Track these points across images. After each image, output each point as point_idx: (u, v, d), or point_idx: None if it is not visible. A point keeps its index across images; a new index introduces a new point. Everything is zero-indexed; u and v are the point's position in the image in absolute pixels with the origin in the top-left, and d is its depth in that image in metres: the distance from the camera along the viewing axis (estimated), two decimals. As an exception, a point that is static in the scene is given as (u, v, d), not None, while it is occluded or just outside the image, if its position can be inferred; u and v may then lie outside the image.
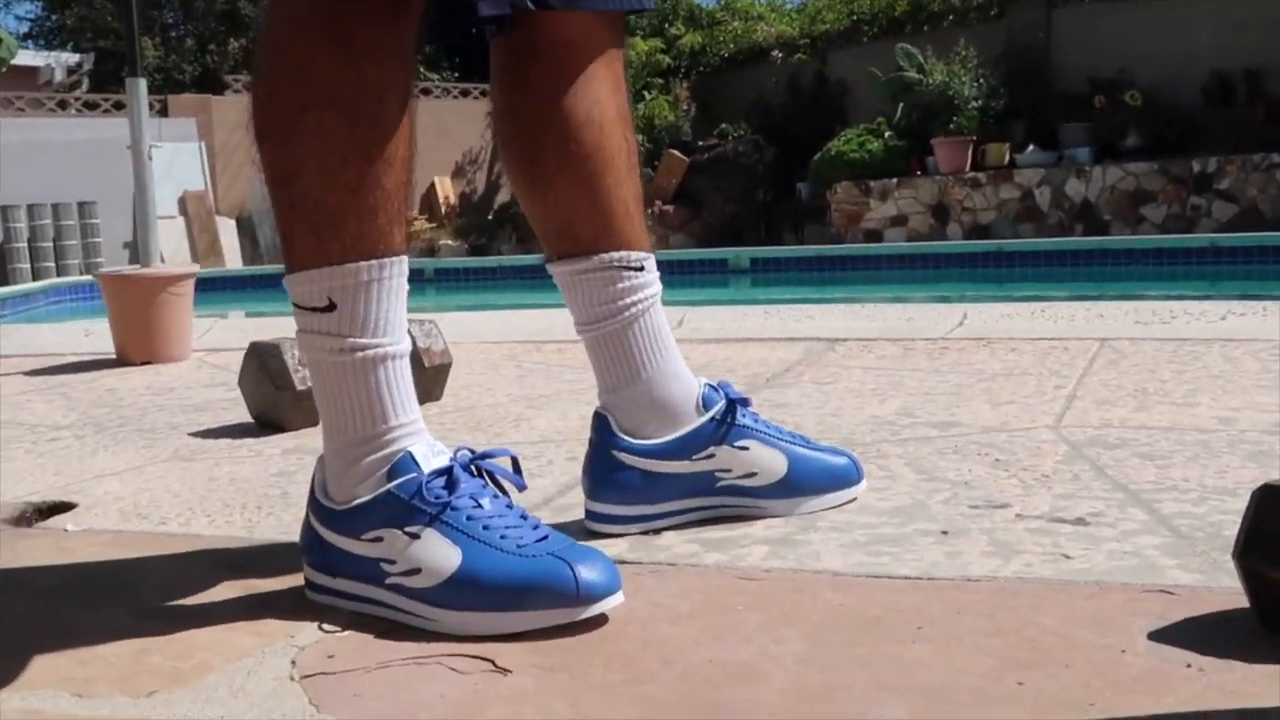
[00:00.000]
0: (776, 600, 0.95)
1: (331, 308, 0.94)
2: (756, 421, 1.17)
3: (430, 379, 1.99)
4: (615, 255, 1.11)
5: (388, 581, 0.92)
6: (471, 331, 2.83)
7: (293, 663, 0.85)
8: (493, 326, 3.01)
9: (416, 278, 8.42)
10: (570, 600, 0.87)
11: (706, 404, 1.15)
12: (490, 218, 10.13)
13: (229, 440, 1.74)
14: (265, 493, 1.40)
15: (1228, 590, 0.91)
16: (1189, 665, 0.78)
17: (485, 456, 0.97)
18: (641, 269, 1.13)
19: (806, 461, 1.18)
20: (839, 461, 1.20)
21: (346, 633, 0.91)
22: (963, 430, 1.54)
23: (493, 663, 0.83)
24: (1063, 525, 1.11)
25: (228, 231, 9.14)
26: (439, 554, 0.90)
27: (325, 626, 0.92)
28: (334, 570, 0.96)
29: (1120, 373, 1.90)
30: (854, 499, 1.20)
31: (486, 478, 0.96)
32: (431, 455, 0.95)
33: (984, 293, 5.98)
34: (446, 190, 10.49)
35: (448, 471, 0.93)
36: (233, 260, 8.97)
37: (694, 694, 0.77)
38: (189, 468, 1.56)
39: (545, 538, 0.91)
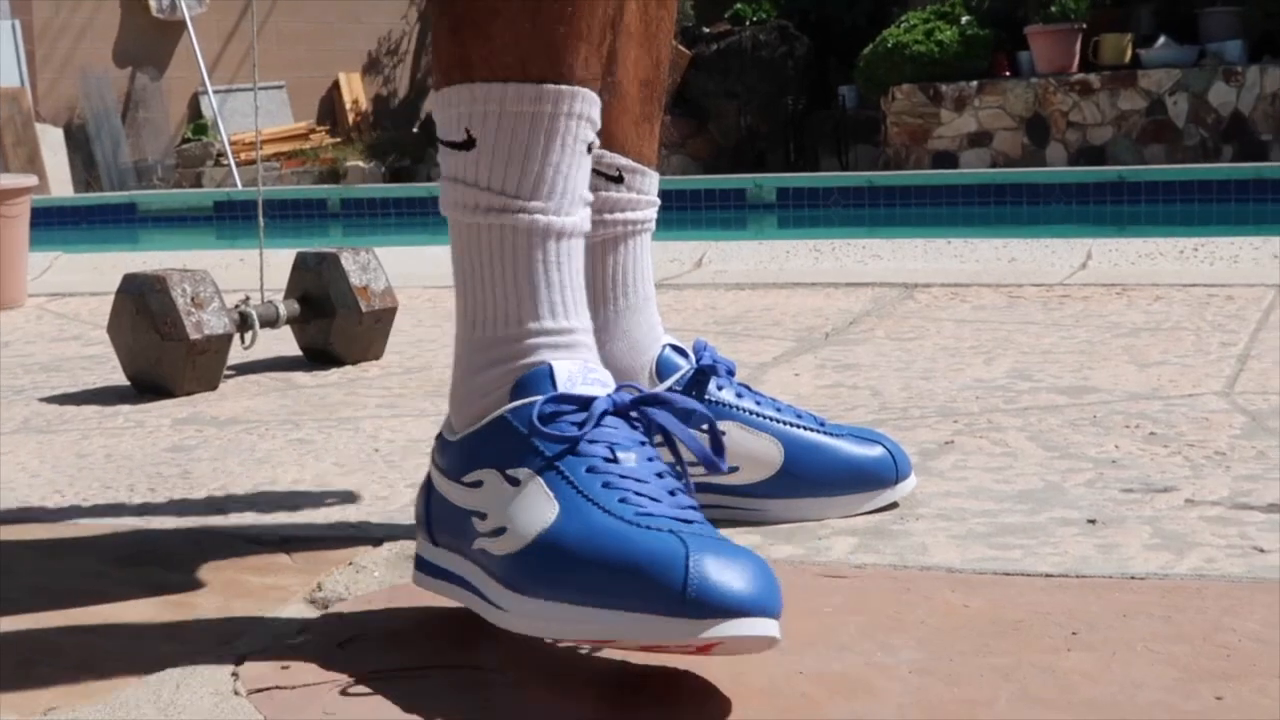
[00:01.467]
0: (878, 601, 0.98)
1: (470, 144, 0.91)
2: (741, 397, 1.18)
3: (368, 330, 2.01)
4: None
5: (474, 546, 0.88)
6: (413, 273, 2.85)
7: (234, 674, 0.87)
8: (442, 267, 3.02)
9: (316, 210, 8.47)
10: (671, 602, 0.77)
11: (664, 370, 1.16)
12: (416, 130, 10.13)
13: (97, 408, 1.76)
14: (158, 472, 1.42)
15: None
16: None
17: (658, 403, 0.91)
18: (620, 179, 1.14)
19: (813, 450, 1.16)
20: (868, 453, 1.17)
21: (300, 638, 0.93)
22: (1101, 397, 1.58)
23: (502, 673, 0.85)
24: (1250, 513, 1.14)
25: (52, 144, 9.11)
26: (532, 510, 0.85)
27: (277, 626, 0.94)
28: (434, 534, 0.93)
29: (1308, 327, 1.95)
30: (894, 503, 1.18)
31: (656, 435, 0.91)
32: (582, 379, 0.91)
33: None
34: (355, 92, 10.49)
35: (586, 404, 0.89)
36: (59, 185, 8.94)
37: (785, 713, 0.80)
38: (48, 442, 1.58)
39: (687, 521, 0.83)
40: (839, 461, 1.16)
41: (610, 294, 1.16)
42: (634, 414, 0.90)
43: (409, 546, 1.13)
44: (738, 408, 1.17)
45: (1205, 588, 0.98)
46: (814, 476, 1.16)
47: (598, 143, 0.94)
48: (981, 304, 2.26)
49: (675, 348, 1.18)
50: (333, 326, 1.99)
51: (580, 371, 0.90)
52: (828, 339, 2.02)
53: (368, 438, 1.53)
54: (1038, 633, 0.90)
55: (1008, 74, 8.16)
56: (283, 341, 2.10)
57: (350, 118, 10.29)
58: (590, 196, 0.94)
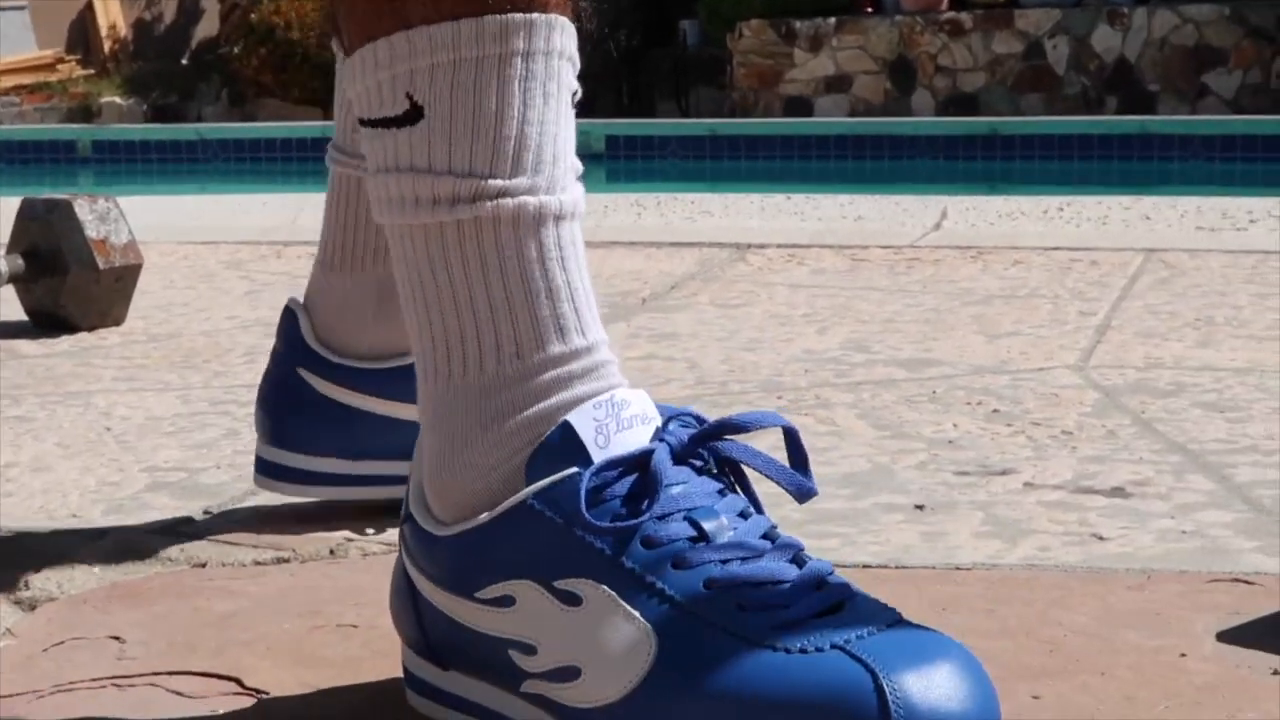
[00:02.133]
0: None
1: (415, 114, 0.75)
2: None
3: (107, 290, 1.98)
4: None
5: (526, 689, 0.73)
6: (168, 226, 2.82)
7: (-83, 684, 0.86)
8: (203, 220, 3.00)
9: (63, 154, 8.29)
10: None
11: None
12: (186, 62, 9.96)
13: None
14: None
15: (1329, 579, 0.99)
16: (1275, 671, 0.85)
17: (731, 429, 0.76)
18: None
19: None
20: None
21: (0, 643, 0.92)
22: (944, 370, 1.62)
23: (239, 683, 0.86)
24: (1094, 497, 1.19)
25: None
26: (615, 641, 0.70)
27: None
28: (441, 658, 0.78)
29: (1175, 295, 2.02)
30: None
31: (729, 476, 0.77)
32: (615, 424, 0.74)
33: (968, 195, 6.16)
34: (112, 16, 10.27)
35: (638, 464, 0.73)
36: None
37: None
38: None
39: (836, 608, 0.70)
40: None
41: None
42: (701, 452, 0.75)
43: (135, 539, 1.12)
44: None
45: (1036, 578, 1.01)
46: None
47: (580, 92, 0.79)
48: (821, 267, 2.30)
49: None
50: (64, 286, 1.96)
51: (609, 415, 0.74)
52: (644, 305, 2.04)
53: (99, 415, 1.51)
54: (846, 628, 0.93)
55: (870, 10, 8.29)
56: (4, 304, 2.06)
57: (106, 46, 10.07)
58: (581, 166, 0.79)
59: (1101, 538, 1.09)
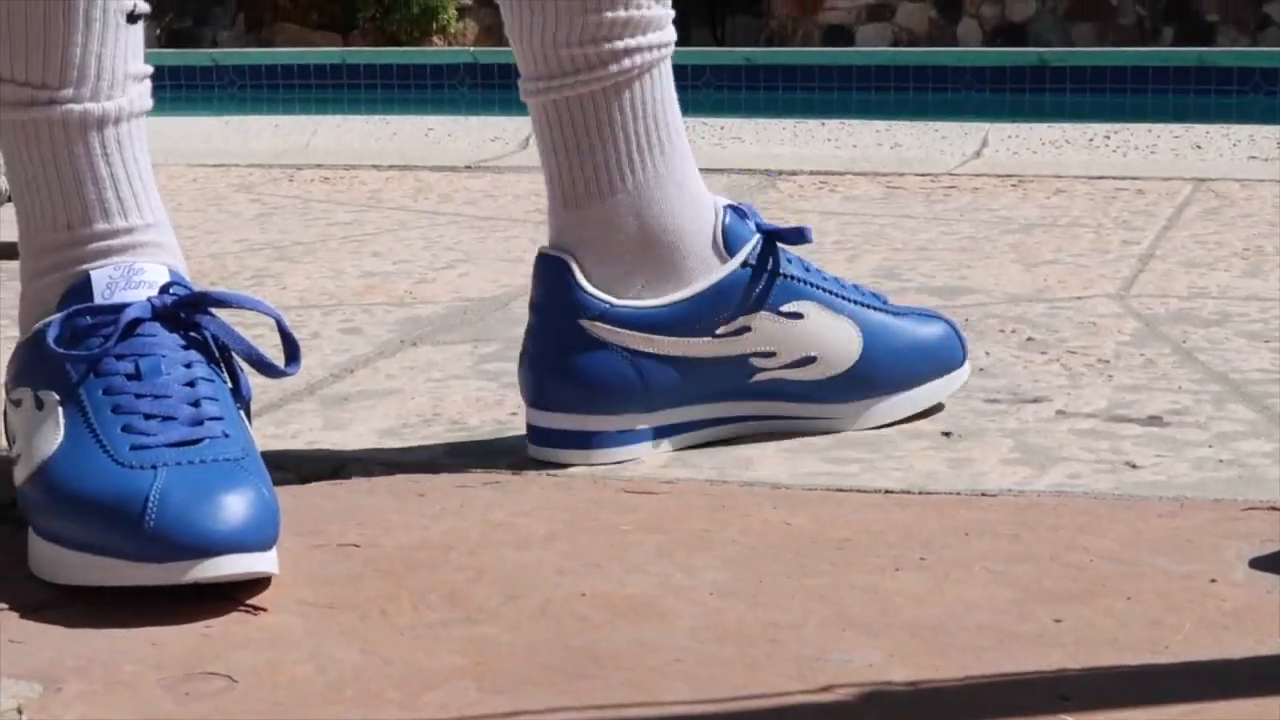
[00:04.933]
0: (685, 519, 1.00)
1: None
2: (809, 271, 1.18)
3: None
4: None
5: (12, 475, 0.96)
6: (179, 150, 2.83)
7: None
8: (214, 143, 3.01)
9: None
10: (135, 544, 0.85)
11: (731, 240, 1.15)
12: (199, -15, 9.93)
13: None
14: None
15: (1370, 507, 0.99)
16: (1308, 598, 0.85)
17: (213, 303, 0.99)
18: None
19: (891, 334, 1.19)
20: (934, 331, 1.21)
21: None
22: (978, 298, 1.62)
23: (236, 600, 0.87)
24: (1128, 425, 1.19)
25: None
26: (42, 439, 0.93)
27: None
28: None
29: (1223, 225, 2.01)
30: (958, 389, 1.23)
31: (210, 343, 0.99)
32: (125, 283, 0.98)
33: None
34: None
35: (116, 312, 0.96)
36: None
37: (556, 637, 0.82)
38: None
39: (193, 442, 0.90)
40: (916, 347, 1.19)
41: (656, 136, 1.12)
42: (184, 316, 0.97)
43: None
44: (814, 284, 1.17)
45: (1063, 505, 1.02)
46: (891, 368, 1.18)
47: (145, 8, 1.01)
48: (854, 195, 2.30)
49: (734, 209, 1.16)
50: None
51: (123, 276, 0.97)
52: (669, 232, 2.04)
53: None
54: (865, 552, 0.93)
55: (914, -66, 8.22)
56: (4, 224, 2.07)
57: (118, -32, 10.05)
58: (146, 69, 1.02)
59: (1135, 466, 1.10)
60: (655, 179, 1.12)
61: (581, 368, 1.11)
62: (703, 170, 2.46)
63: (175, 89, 7.60)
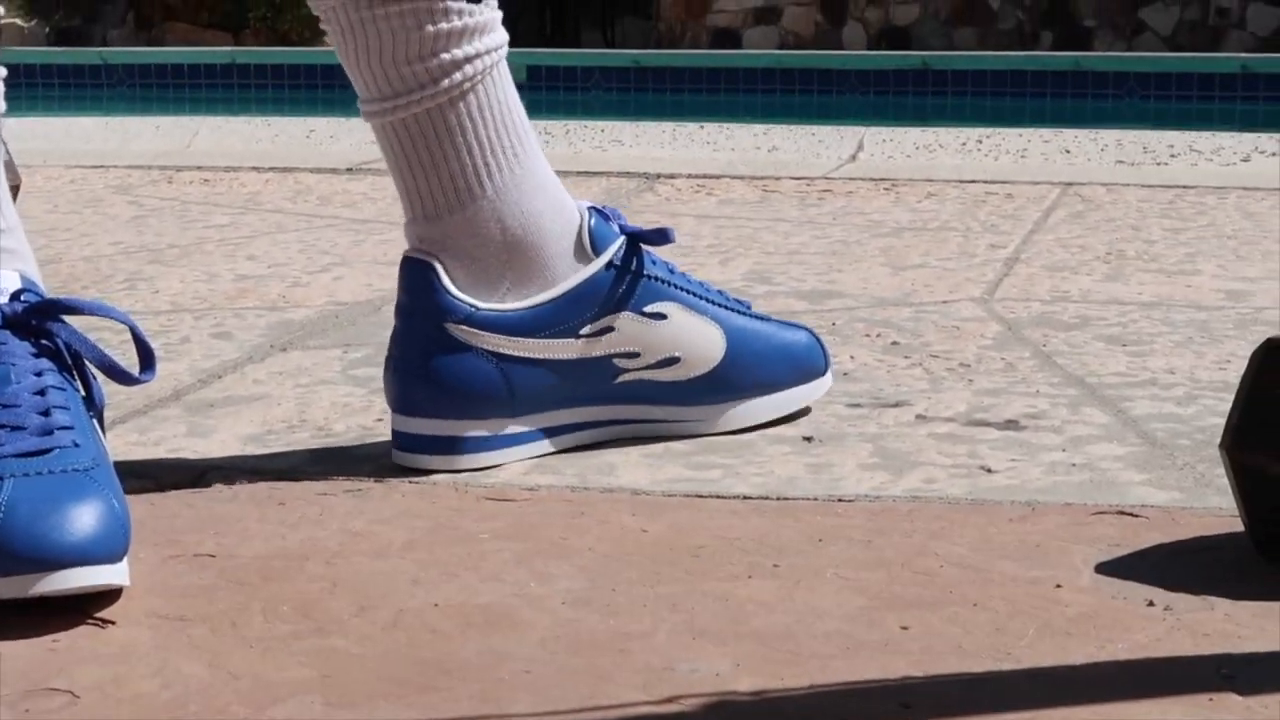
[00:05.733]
0: (544, 527, 0.99)
1: None
2: (673, 273, 1.18)
3: (-17, 214, 1.95)
4: None
5: None
6: (54, 149, 2.78)
7: None
8: (93, 143, 2.96)
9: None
10: None
11: (597, 241, 1.14)
12: (90, -16, 9.80)
13: None
14: None
15: (1216, 511, 1.00)
16: (1150, 603, 0.85)
17: (64, 310, 0.98)
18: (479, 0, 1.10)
19: (754, 338, 1.19)
20: (797, 338, 1.21)
21: None
22: (845, 303, 1.62)
23: (86, 612, 0.85)
24: (985, 430, 1.19)
25: None
26: None
27: None
28: None
29: (1088, 229, 2.02)
30: (813, 401, 1.22)
31: (62, 351, 0.97)
32: None
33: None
34: (14, -66, 10.08)
35: None
36: None
37: (407, 648, 0.81)
38: None
39: (41, 452, 0.89)
40: (777, 351, 1.19)
41: (506, 139, 1.11)
42: (35, 324, 0.95)
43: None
44: (678, 286, 1.16)
45: (918, 510, 1.02)
46: (753, 371, 1.18)
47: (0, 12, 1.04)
48: (730, 198, 2.30)
49: (599, 211, 1.15)
50: (-61, 209, 1.92)
51: None
52: (545, 235, 2.03)
53: (-34, 341, 1.49)
54: (719, 559, 0.93)
55: (799, -61, 8.26)
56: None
57: (7, -34, 9.90)
58: (1, 71, 1.02)
59: (990, 470, 1.10)
60: (514, 182, 1.11)
61: (446, 372, 1.10)
62: (583, 173, 2.48)
63: (64, 88, 7.49)
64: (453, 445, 1.10)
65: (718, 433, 1.17)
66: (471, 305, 1.10)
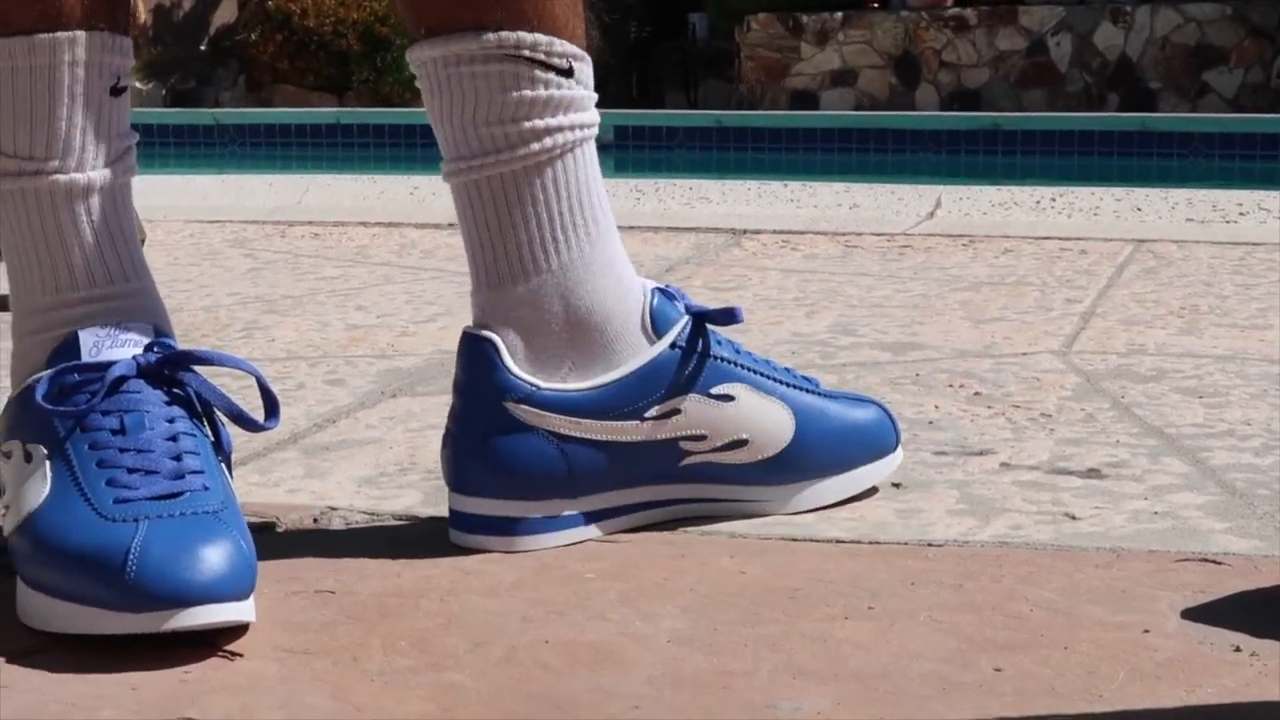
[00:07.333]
0: (646, 568, 0.99)
1: None
2: (740, 353, 1.11)
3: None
4: (525, 38, 1.02)
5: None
6: (177, 206, 2.82)
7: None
8: (210, 199, 2.99)
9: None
10: (115, 594, 0.85)
11: (659, 322, 1.08)
12: (204, 48, 9.95)
13: None
14: None
15: (1297, 560, 0.99)
16: (1237, 649, 0.85)
17: (195, 360, 0.99)
18: (570, 73, 1.04)
19: (823, 417, 1.12)
20: (867, 415, 1.15)
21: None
22: (928, 354, 1.62)
23: (215, 646, 0.86)
24: (1068, 478, 1.18)
25: None
26: (31, 491, 0.93)
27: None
28: None
29: (1161, 285, 2.01)
30: (885, 477, 1.16)
31: (192, 399, 0.98)
32: (111, 342, 0.98)
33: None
34: (133, 2, 10.25)
35: (102, 370, 0.96)
36: None
37: (520, 683, 0.81)
38: None
39: (173, 495, 0.90)
40: (848, 431, 1.13)
41: (580, 217, 1.05)
42: (167, 373, 0.97)
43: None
44: (744, 366, 1.10)
45: (1005, 555, 1.01)
46: (822, 452, 1.11)
47: (129, 81, 1.02)
48: (814, 253, 2.30)
49: (662, 291, 1.09)
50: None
51: (109, 335, 0.98)
52: (639, 288, 2.04)
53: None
54: (815, 601, 0.93)
55: (876, 5, 8.27)
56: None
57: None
58: (131, 138, 1.03)
59: (1074, 517, 1.09)
60: (581, 260, 1.05)
61: (505, 452, 1.04)
62: (672, 229, 2.49)
63: (179, 146, 7.59)
64: (510, 526, 1.04)
65: (787, 513, 1.11)
66: (532, 384, 1.04)
